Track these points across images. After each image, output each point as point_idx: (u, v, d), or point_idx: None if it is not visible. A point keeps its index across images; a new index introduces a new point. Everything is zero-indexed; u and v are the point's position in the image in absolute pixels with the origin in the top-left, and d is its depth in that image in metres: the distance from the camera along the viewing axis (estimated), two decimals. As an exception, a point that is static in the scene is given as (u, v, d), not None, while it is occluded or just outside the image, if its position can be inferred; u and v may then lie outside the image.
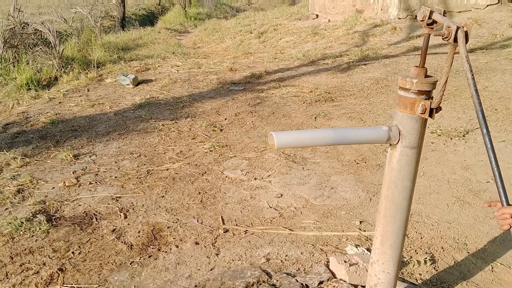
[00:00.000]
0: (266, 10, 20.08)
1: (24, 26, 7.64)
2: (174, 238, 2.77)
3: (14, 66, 7.53)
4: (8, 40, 7.49)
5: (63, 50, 7.80)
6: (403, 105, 1.67)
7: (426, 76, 1.61)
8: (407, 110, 1.66)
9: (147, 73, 7.47)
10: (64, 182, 3.62)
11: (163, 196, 3.33)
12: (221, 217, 3.01)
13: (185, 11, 19.67)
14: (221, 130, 4.68)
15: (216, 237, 2.76)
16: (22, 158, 4.09)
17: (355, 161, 3.78)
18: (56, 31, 7.80)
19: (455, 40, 1.49)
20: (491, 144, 1.37)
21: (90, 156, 4.14)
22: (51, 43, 7.65)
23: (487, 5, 10.08)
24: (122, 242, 2.74)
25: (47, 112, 5.41)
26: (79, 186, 3.56)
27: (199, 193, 3.36)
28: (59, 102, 5.93)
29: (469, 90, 5.36)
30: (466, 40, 1.49)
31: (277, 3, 26.54)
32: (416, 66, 1.66)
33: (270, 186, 3.41)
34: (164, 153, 4.17)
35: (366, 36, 9.76)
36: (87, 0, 18.83)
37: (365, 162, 3.74)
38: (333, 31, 10.72)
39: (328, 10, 12.15)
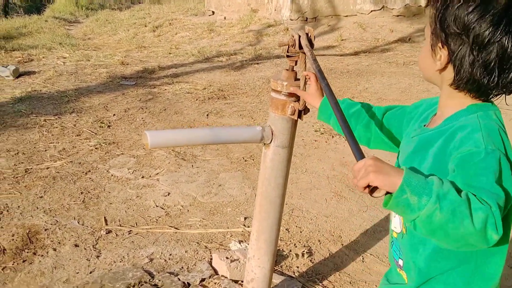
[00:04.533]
0: (162, 3, 19.70)
1: None
2: (51, 241, 2.63)
3: None
4: None
5: None
6: (275, 106, 1.75)
7: (296, 79, 1.70)
8: (279, 111, 1.74)
9: (30, 65, 6.96)
10: None
11: (41, 197, 3.14)
12: (104, 217, 2.92)
13: (76, 0, 18.59)
14: (109, 126, 4.52)
15: (98, 239, 2.67)
16: None
17: (243, 158, 3.87)
18: None
19: (300, 47, 1.59)
20: (331, 93, 1.29)
21: (-42, 154, 3.77)
22: None
23: (371, 11, 10.87)
24: (-8, 247, 2.55)
25: None
26: None
27: (82, 193, 3.22)
28: None
29: (350, 91, 5.75)
30: (311, 45, 1.59)
31: (174, -3, 26.17)
32: (287, 70, 1.75)
33: (158, 185, 3.37)
34: (45, 150, 3.93)
35: (260, 36, 10.01)
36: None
37: (253, 159, 3.85)
38: (228, 29, 10.84)
39: (224, 7, 12.25)
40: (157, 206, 3.09)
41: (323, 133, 4.41)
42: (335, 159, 3.89)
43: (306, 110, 1.70)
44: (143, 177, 3.50)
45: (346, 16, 10.76)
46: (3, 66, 6.10)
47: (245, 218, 2.96)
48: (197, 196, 3.24)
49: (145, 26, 11.90)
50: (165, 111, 5.01)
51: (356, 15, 10.76)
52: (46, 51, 7.97)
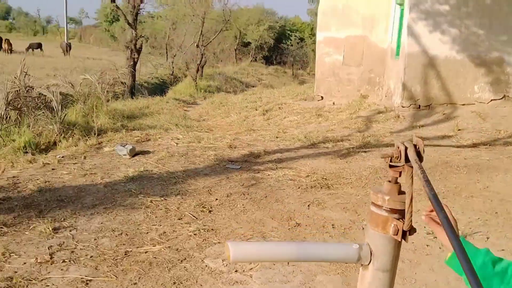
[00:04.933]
0: (274, 87, 20.58)
1: (28, 89, 7.76)
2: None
3: (15, 128, 7.57)
4: (11, 102, 7.58)
5: (65, 115, 7.86)
6: (375, 222, 1.53)
7: (400, 193, 1.49)
8: (379, 228, 1.52)
9: (146, 144, 7.45)
10: (37, 258, 3.44)
11: (135, 283, 3.13)
12: (193, 314, 2.80)
13: (196, 83, 20.14)
14: (209, 211, 4.53)
15: None
16: (0, 228, 3.93)
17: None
18: (61, 95, 7.93)
19: (407, 160, 1.39)
20: (453, 234, 1.07)
21: (70, 231, 3.98)
22: (54, 108, 7.73)
23: (491, 100, 10.21)
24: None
25: (37, 179, 5.32)
26: (51, 264, 3.38)
27: (174, 283, 3.16)
28: (52, 169, 5.85)
29: (469, 189, 5.24)
30: (420, 158, 1.37)
31: (286, 81, 27.31)
32: (389, 181, 1.55)
33: (251, 282, 3.20)
34: (147, 232, 4.01)
35: (369, 122, 9.82)
36: (104, 65, 19.42)
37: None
38: (336, 114, 10.83)
39: (333, 92, 12.36)
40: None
41: (436, 237, 3.97)
42: (451, 271, 3.43)
43: (412, 230, 1.47)
44: (236, 271, 3.36)
45: (463, 104, 10.21)
46: (121, 145, 6.58)
47: (342, 333, 2.65)
48: (291, 299, 3.00)
49: (256, 110, 12.36)
50: (266, 199, 4.93)
51: (474, 103, 10.17)
52: (163, 131, 8.52)
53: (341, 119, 10.35)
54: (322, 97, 12.64)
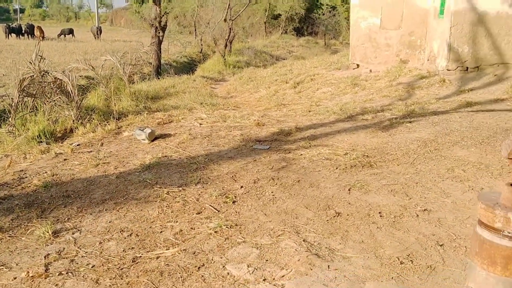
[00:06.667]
0: (306, 58, 19.64)
1: (44, 74, 7.27)
2: None
3: (31, 116, 7.13)
4: (25, 89, 7.13)
5: (82, 99, 7.36)
6: (490, 258, 0.85)
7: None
8: (498, 268, 0.84)
9: (168, 126, 6.87)
10: (28, 271, 2.90)
11: (141, 302, 2.55)
12: None
13: (224, 59, 19.44)
14: (233, 202, 3.90)
15: None
16: (-5, 233, 3.44)
17: (398, 258, 2.88)
18: (86, 79, 7.42)
19: None
20: None
21: (73, 233, 3.44)
22: (70, 93, 7.23)
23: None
24: None
25: (44, 172, 4.82)
26: (45, 278, 2.84)
27: (188, 299, 2.56)
28: (64, 159, 5.35)
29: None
30: None
31: (318, 51, 26.22)
32: (510, 184, 0.85)
33: (282, 295, 2.57)
34: (161, 232, 3.42)
35: (411, 89, 8.92)
36: (132, 47, 18.91)
37: (412, 262, 2.84)
38: (374, 82, 9.95)
39: (370, 59, 11.42)
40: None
41: None
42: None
43: None
44: (264, 279, 2.73)
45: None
46: (139, 129, 6.02)
47: None
48: (334, 318, 2.35)
49: (286, 83, 11.59)
50: (299, 184, 4.26)
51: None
52: (186, 111, 7.92)
53: (380, 88, 9.47)
54: (357, 65, 11.73)
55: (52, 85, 7.38)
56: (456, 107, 7.30)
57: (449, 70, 9.31)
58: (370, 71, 11.02)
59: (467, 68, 9.29)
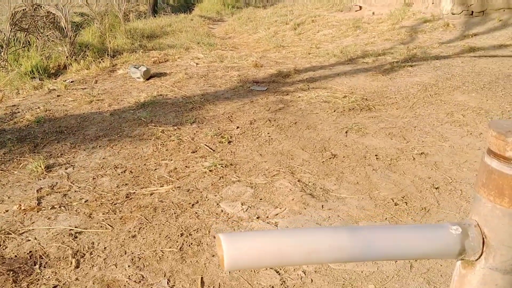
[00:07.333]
0: None
1: (36, 7, 7.01)
2: (127, 312, 1.98)
3: (24, 52, 6.95)
4: (17, 23, 6.89)
5: (75, 35, 7.15)
6: (497, 189, 0.79)
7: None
8: (505, 199, 0.79)
9: (164, 65, 6.72)
10: (20, 205, 2.89)
11: (134, 236, 2.55)
12: (201, 278, 2.20)
13: (223, -2, 18.86)
14: (229, 142, 3.86)
15: (184, 318, 1.95)
16: (-12, 166, 3.41)
17: (392, 200, 2.88)
18: (74, 15, 7.19)
19: None
20: None
21: (66, 168, 3.41)
22: (64, 28, 7.01)
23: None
24: (55, 313, 1.98)
25: (37, 108, 4.73)
26: (37, 211, 2.83)
27: (181, 234, 2.55)
28: (58, 95, 5.25)
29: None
30: None
31: (320, -7, 25.36)
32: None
33: (275, 233, 2.56)
34: (155, 169, 3.39)
35: (414, 33, 8.69)
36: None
37: (406, 203, 2.83)
38: (377, 25, 9.68)
39: (373, 1, 11.06)
40: (271, 268, 2.28)
41: None
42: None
43: None
44: (258, 217, 2.72)
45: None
46: (135, 67, 5.88)
47: (394, 308, 2.00)
48: (326, 256, 2.35)
49: (286, 24, 11.28)
50: (296, 125, 4.20)
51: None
52: (183, 51, 7.73)
53: (382, 31, 9.22)
54: (360, 7, 11.37)
55: (45, 20, 7.14)
56: (458, 52, 7.13)
57: (454, 14, 9.04)
58: (373, 13, 10.70)
59: (472, 12, 9.01)
